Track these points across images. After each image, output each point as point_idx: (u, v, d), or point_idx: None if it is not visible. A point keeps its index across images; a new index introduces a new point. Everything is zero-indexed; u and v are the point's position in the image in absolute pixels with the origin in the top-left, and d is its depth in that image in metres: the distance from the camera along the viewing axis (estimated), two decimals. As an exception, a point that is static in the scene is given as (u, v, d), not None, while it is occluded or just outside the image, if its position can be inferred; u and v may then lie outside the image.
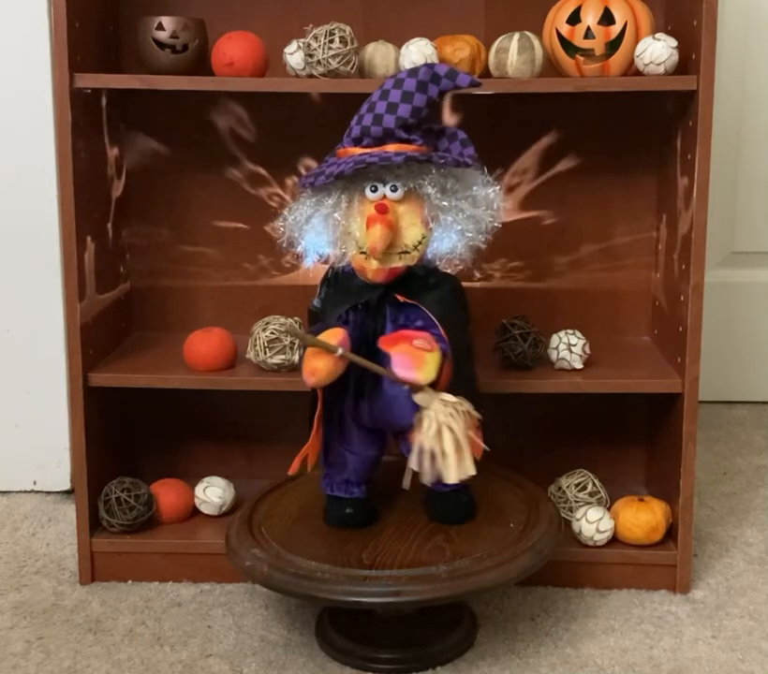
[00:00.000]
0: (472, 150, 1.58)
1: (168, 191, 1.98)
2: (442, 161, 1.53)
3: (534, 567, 1.57)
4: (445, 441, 1.48)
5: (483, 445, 1.54)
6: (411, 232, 1.55)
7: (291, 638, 1.68)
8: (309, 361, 1.49)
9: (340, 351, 1.48)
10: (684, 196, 1.77)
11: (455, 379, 1.54)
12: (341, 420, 1.62)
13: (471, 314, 1.64)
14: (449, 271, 1.61)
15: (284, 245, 1.60)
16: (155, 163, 1.97)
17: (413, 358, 1.48)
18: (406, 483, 1.52)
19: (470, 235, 1.56)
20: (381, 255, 1.53)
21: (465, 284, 1.65)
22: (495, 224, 1.58)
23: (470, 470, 1.50)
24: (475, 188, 1.58)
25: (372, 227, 1.52)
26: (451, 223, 1.56)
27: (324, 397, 1.57)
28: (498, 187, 1.59)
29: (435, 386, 1.50)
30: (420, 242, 1.56)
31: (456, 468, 1.49)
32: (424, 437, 1.49)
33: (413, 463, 1.49)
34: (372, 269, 1.55)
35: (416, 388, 1.49)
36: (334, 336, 1.50)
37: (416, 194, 1.55)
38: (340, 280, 1.61)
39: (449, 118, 1.90)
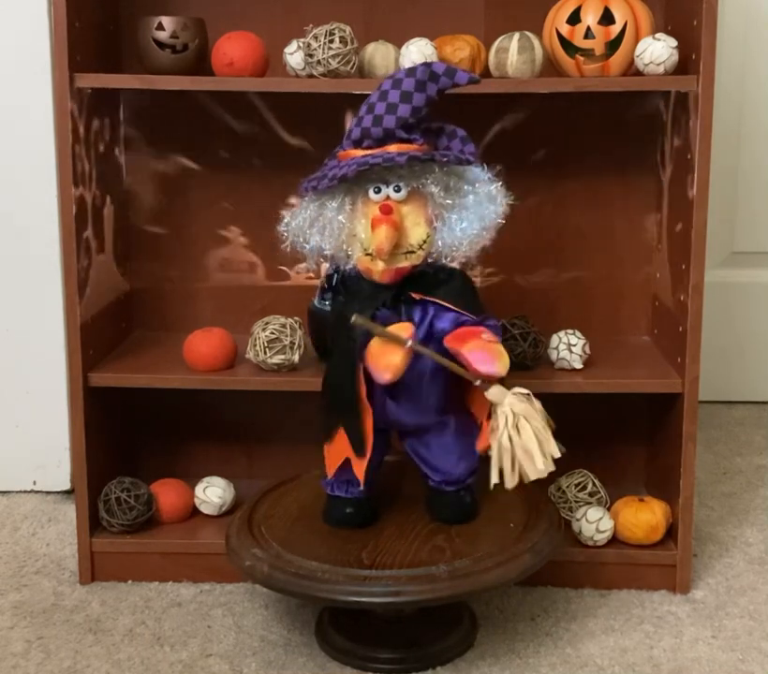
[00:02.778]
0: (472, 147, 1.58)
1: (168, 191, 1.98)
2: (445, 159, 1.53)
3: (534, 567, 1.57)
4: (526, 433, 1.46)
5: (561, 447, 1.50)
6: (416, 232, 1.55)
7: (291, 638, 1.68)
8: (383, 357, 1.48)
9: (410, 342, 1.48)
10: (684, 196, 1.77)
11: None
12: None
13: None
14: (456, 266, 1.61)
15: (287, 250, 1.60)
16: (156, 163, 1.97)
17: (490, 352, 1.48)
18: (495, 477, 1.47)
19: (474, 232, 1.57)
20: (387, 255, 1.53)
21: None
22: (499, 220, 1.58)
23: (551, 465, 1.48)
24: (477, 185, 1.58)
25: (377, 228, 1.52)
26: (456, 221, 1.56)
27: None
28: (501, 183, 1.59)
29: (501, 381, 1.50)
30: (425, 241, 1.56)
31: (542, 461, 1.46)
32: (503, 432, 1.46)
33: (495, 464, 1.47)
34: (378, 270, 1.55)
35: (489, 383, 1.49)
36: (406, 330, 1.50)
37: (419, 193, 1.55)
38: (348, 285, 1.60)
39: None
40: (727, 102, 2.45)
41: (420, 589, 1.50)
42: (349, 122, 1.56)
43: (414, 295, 1.56)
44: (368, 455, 1.57)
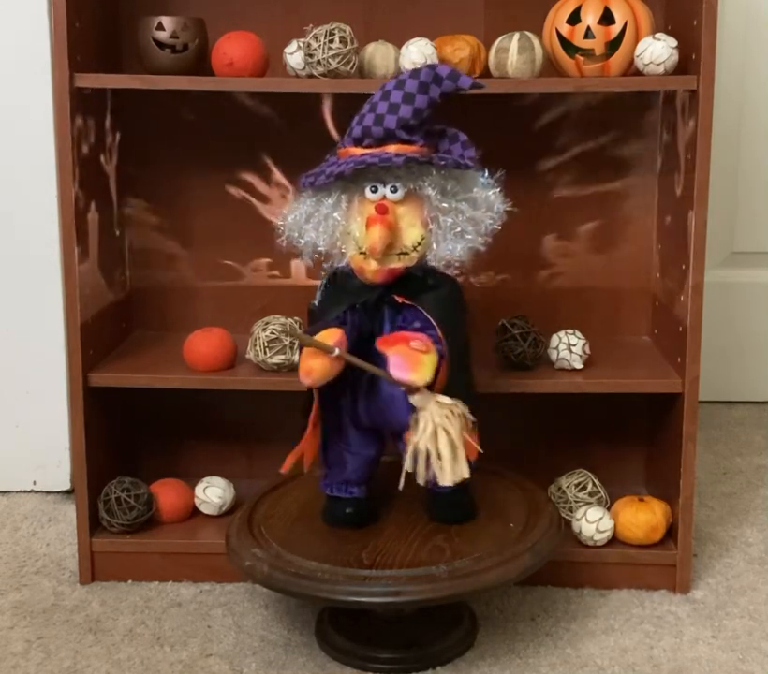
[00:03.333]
0: (473, 151, 1.58)
1: (168, 191, 1.98)
2: (443, 163, 1.53)
3: (534, 567, 1.57)
4: (440, 442, 1.48)
5: (478, 447, 1.54)
6: (411, 233, 1.55)
7: (291, 638, 1.68)
8: (305, 361, 1.50)
9: (336, 351, 1.48)
10: (684, 196, 1.77)
11: (452, 381, 1.54)
12: (339, 420, 1.62)
13: (470, 314, 1.64)
14: (447, 272, 1.61)
15: (283, 244, 1.60)
16: (156, 163, 1.97)
17: (409, 359, 1.48)
18: (401, 484, 1.51)
19: (470, 237, 1.56)
20: (380, 255, 1.53)
21: (465, 284, 1.65)
22: (495, 226, 1.58)
23: (465, 472, 1.50)
24: (475, 190, 1.57)
25: (371, 227, 1.52)
26: (451, 224, 1.56)
27: (320, 397, 1.57)
28: (499, 189, 1.59)
29: (431, 387, 1.50)
30: (419, 244, 1.56)
31: (451, 470, 1.49)
32: (419, 438, 1.49)
33: (408, 465, 1.49)
34: (371, 269, 1.55)
35: (412, 389, 1.49)
36: (331, 336, 1.50)
37: (416, 195, 1.55)
38: (339, 280, 1.61)
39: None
40: (727, 102, 2.45)
41: (420, 589, 1.50)
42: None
43: (398, 298, 1.56)
44: (308, 433, 1.57)
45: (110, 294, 1.91)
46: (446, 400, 1.50)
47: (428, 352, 1.49)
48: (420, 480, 1.50)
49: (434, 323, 1.53)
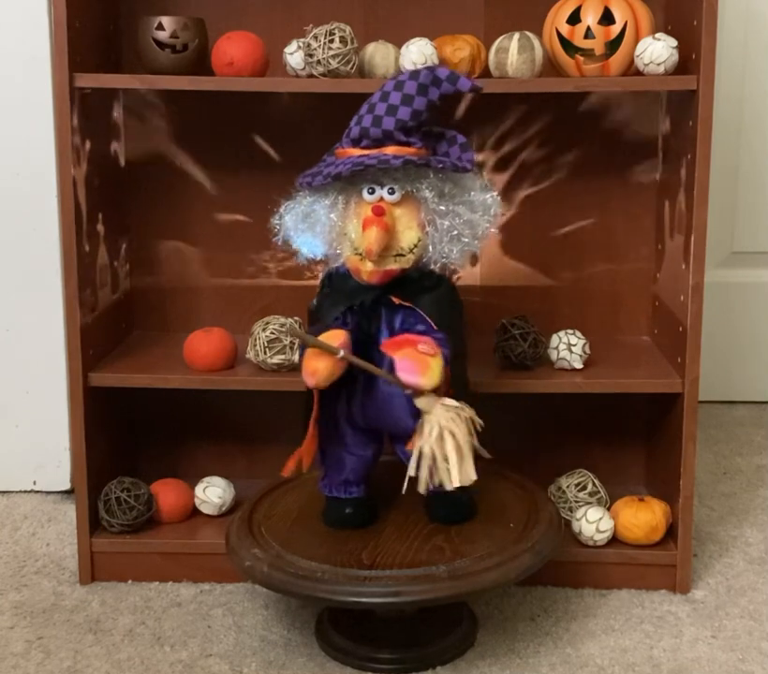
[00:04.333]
0: (471, 154, 1.58)
1: (168, 191, 1.98)
2: (440, 165, 1.53)
3: (534, 567, 1.57)
4: (447, 446, 1.47)
5: (486, 452, 1.53)
6: (407, 235, 1.55)
7: (291, 638, 1.68)
8: (310, 362, 1.49)
9: (341, 353, 1.48)
10: (684, 196, 1.77)
11: (449, 382, 1.54)
12: (336, 421, 1.62)
13: (467, 315, 1.64)
14: (443, 274, 1.61)
15: (279, 243, 1.60)
16: (156, 163, 1.97)
17: (418, 362, 1.47)
18: (404, 488, 1.51)
19: (466, 240, 1.56)
20: (377, 257, 1.53)
21: (465, 284, 1.65)
22: (492, 229, 1.58)
23: (472, 476, 1.49)
24: (472, 193, 1.57)
25: (368, 229, 1.52)
26: (448, 227, 1.56)
27: (320, 398, 1.57)
28: (496, 193, 1.59)
29: (435, 391, 1.50)
30: (415, 246, 1.56)
31: (458, 474, 1.48)
32: (425, 442, 1.48)
33: (412, 469, 1.49)
34: (367, 270, 1.55)
35: (418, 392, 1.49)
36: (336, 338, 1.50)
37: (413, 197, 1.55)
38: (335, 281, 1.61)
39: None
40: (727, 102, 2.45)
41: (420, 589, 1.50)
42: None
43: (394, 299, 1.56)
44: (308, 435, 1.57)
45: (110, 294, 1.91)
46: (452, 402, 1.50)
47: (435, 355, 1.49)
48: (421, 488, 1.49)
49: (434, 325, 1.53)
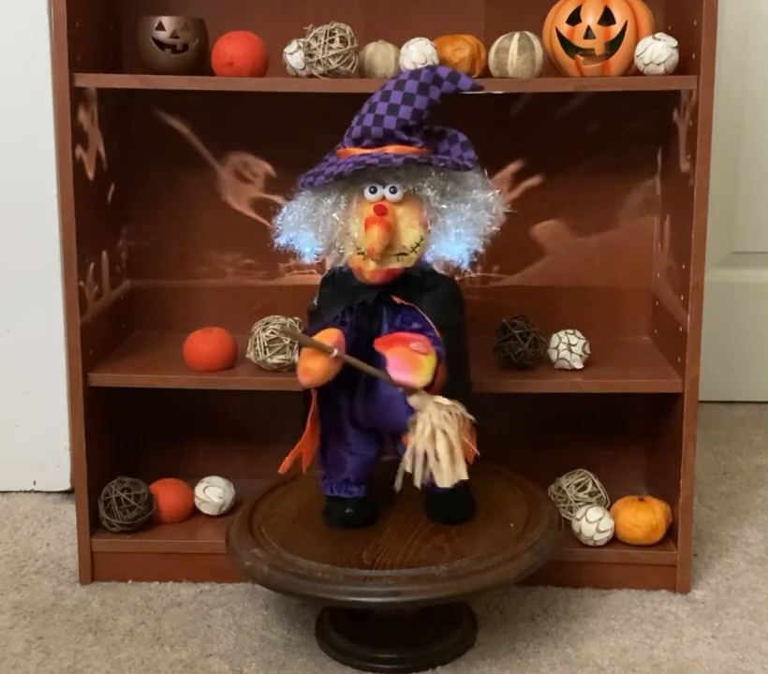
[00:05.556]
0: (472, 153, 1.58)
1: (168, 191, 1.98)
2: (442, 164, 1.53)
3: (534, 567, 1.57)
4: (438, 444, 1.48)
5: (476, 449, 1.53)
6: (409, 234, 1.55)
7: (291, 638, 1.68)
8: (304, 361, 1.50)
9: (335, 352, 1.48)
10: (684, 196, 1.77)
11: (448, 382, 1.54)
12: (337, 421, 1.62)
13: (468, 315, 1.64)
14: (446, 273, 1.61)
15: (280, 243, 1.60)
16: (156, 163, 1.97)
17: (409, 360, 1.48)
18: (399, 485, 1.51)
19: (468, 239, 1.56)
20: (379, 256, 1.53)
21: (465, 284, 1.65)
22: (494, 228, 1.58)
23: (463, 474, 1.50)
24: (474, 191, 1.57)
25: (370, 228, 1.52)
26: (450, 226, 1.56)
27: (319, 397, 1.56)
28: (498, 191, 1.59)
29: (429, 389, 1.50)
30: (418, 244, 1.56)
31: (449, 472, 1.48)
32: (418, 440, 1.48)
33: (406, 466, 1.49)
34: (369, 270, 1.55)
35: (411, 390, 1.49)
36: (330, 337, 1.50)
37: (415, 196, 1.55)
38: (337, 280, 1.61)
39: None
40: (727, 102, 2.45)
41: (420, 589, 1.50)
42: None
43: (396, 299, 1.56)
44: (306, 433, 1.57)
45: (110, 294, 1.91)
46: (444, 401, 1.50)
47: (428, 354, 1.49)
48: (418, 482, 1.50)
49: (432, 324, 1.53)
